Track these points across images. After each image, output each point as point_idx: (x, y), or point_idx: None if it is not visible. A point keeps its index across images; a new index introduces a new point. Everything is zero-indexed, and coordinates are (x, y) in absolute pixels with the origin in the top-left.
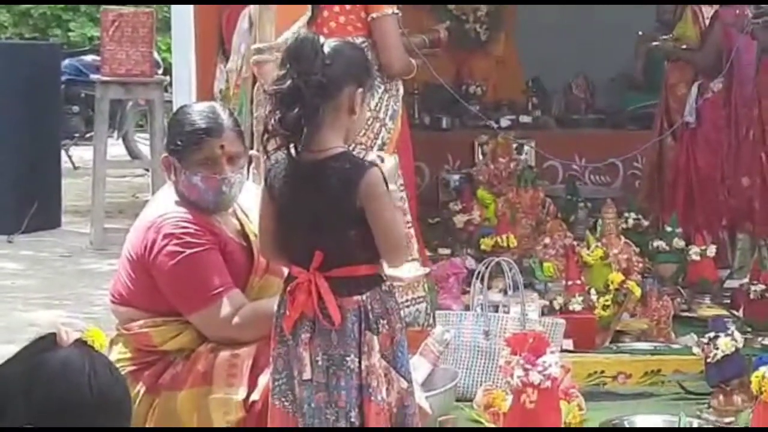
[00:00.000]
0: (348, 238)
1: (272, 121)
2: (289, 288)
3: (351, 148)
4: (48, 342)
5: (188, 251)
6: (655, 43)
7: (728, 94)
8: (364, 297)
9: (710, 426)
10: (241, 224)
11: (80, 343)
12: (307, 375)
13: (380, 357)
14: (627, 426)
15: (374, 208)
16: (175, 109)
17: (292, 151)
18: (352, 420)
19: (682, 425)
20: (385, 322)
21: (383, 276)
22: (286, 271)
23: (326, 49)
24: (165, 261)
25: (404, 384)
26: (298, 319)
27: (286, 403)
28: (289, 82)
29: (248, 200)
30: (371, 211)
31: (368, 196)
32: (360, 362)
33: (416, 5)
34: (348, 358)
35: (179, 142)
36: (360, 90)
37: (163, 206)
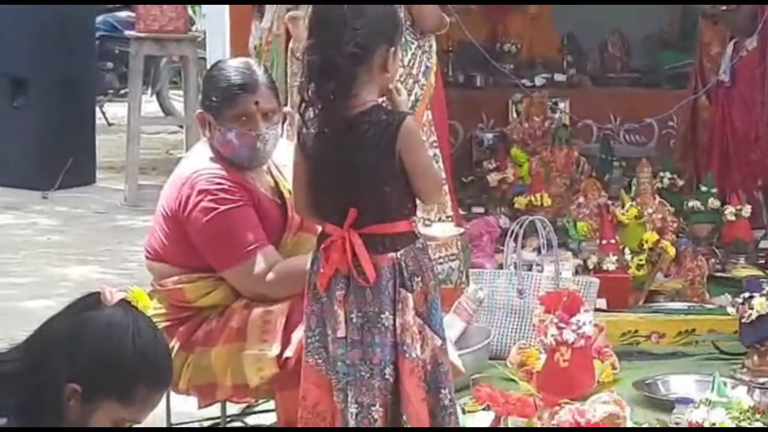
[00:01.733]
0: (383, 194)
1: (308, 91)
2: (323, 245)
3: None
4: (93, 301)
5: (222, 207)
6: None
7: (762, 53)
8: (398, 254)
9: (744, 385)
10: (275, 181)
11: (125, 303)
12: (341, 332)
13: (414, 314)
14: (660, 385)
15: (413, 152)
16: (208, 65)
17: (322, 105)
18: (386, 376)
19: (715, 385)
20: (419, 279)
21: (417, 233)
22: (319, 228)
23: (353, 14)
24: (199, 217)
25: (438, 341)
26: (333, 276)
27: (319, 361)
28: (319, 53)
29: (282, 157)
30: (410, 155)
31: (406, 142)
32: (394, 319)
33: None
34: (383, 315)
35: (214, 98)
36: (392, 48)
37: (198, 162)
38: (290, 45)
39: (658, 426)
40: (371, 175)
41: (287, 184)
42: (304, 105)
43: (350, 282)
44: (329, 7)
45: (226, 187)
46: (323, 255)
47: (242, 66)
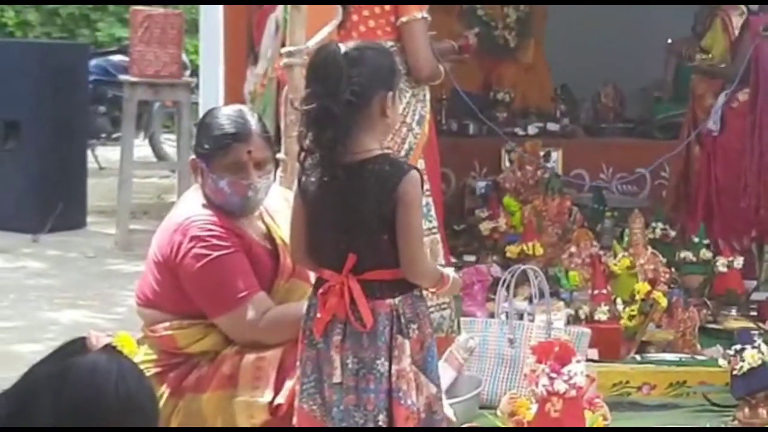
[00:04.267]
0: (382, 240)
1: (307, 140)
2: (321, 290)
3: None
4: (78, 346)
5: (214, 254)
6: (692, 64)
7: (753, 103)
8: (396, 301)
9: None
10: (268, 227)
11: (110, 348)
12: (337, 378)
13: (411, 362)
14: None
15: (405, 212)
16: (202, 111)
17: (321, 154)
18: (380, 423)
19: None
20: (415, 326)
21: None
22: (312, 275)
23: (350, 62)
24: (191, 263)
25: (433, 389)
26: (330, 321)
27: (314, 407)
28: (317, 102)
29: (275, 203)
30: (402, 214)
31: (404, 198)
32: (390, 366)
33: (446, 10)
34: (378, 362)
35: (206, 146)
36: (390, 93)
37: (190, 209)
38: (284, 92)
39: None
40: (370, 223)
41: (279, 231)
42: (303, 154)
43: (347, 327)
44: (325, 57)
45: (217, 233)
46: (320, 300)
47: (235, 114)
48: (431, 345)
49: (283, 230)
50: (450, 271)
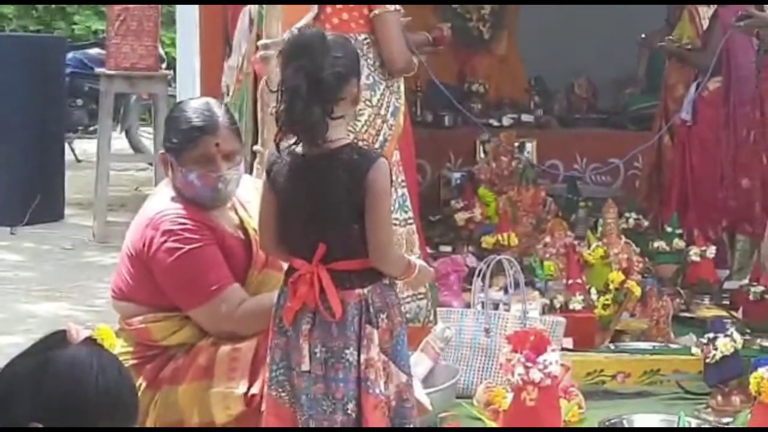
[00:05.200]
0: (352, 230)
1: (287, 116)
2: (291, 279)
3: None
4: (58, 339)
5: (187, 247)
6: (660, 44)
7: (726, 94)
8: (365, 290)
9: (708, 426)
10: (240, 218)
11: (90, 341)
12: (305, 366)
13: (379, 350)
14: (626, 425)
15: (374, 200)
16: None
17: (300, 144)
18: (349, 412)
19: (680, 425)
20: (384, 316)
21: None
22: (285, 265)
23: (330, 43)
24: (164, 258)
25: (403, 378)
26: (299, 310)
27: (282, 394)
28: (302, 76)
29: (247, 194)
30: (370, 203)
31: (372, 186)
32: (359, 355)
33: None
34: (347, 351)
35: (175, 140)
36: (360, 82)
37: (161, 203)
38: (261, 86)
39: None
40: (339, 213)
41: (252, 221)
42: (281, 134)
43: (316, 317)
44: (308, 37)
45: (189, 227)
46: (291, 288)
47: (202, 107)
48: (400, 334)
49: (255, 221)
50: (418, 261)
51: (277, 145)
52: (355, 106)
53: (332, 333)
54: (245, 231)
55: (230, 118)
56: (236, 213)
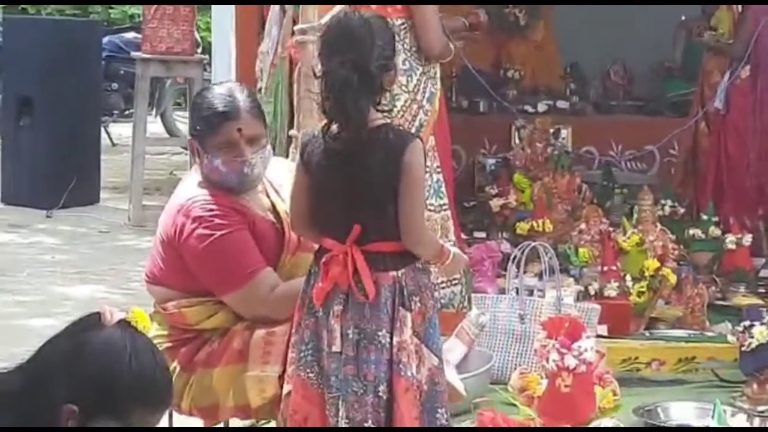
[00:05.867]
0: (386, 212)
1: (336, 108)
2: (323, 260)
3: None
4: (93, 321)
5: (218, 233)
6: (700, 39)
7: (754, 81)
8: (399, 273)
9: (745, 413)
10: (272, 202)
11: (124, 323)
12: (336, 347)
13: (412, 333)
14: (660, 412)
15: (409, 181)
16: None
17: (335, 126)
18: (380, 394)
19: (716, 413)
20: (417, 299)
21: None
22: (317, 247)
23: (374, 29)
24: (195, 245)
25: (435, 361)
26: (331, 291)
27: (311, 375)
28: (350, 69)
29: (280, 176)
30: (405, 184)
31: (407, 167)
32: (391, 337)
33: None
34: (380, 333)
35: (198, 127)
36: (395, 64)
37: (191, 189)
38: (297, 70)
39: None
40: (376, 193)
41: (284, 205)
42: (328, 124)
43: (349, 298)
44: (354, 25)
45: (220, 212)
46: (323, 269)
47: (224, 92)
48: (433, 317)
49: (287, 204)
50: (453, 248)
51: (325, 133)
52: (391, 86)
53: (365, 315)
54: (277, 214)
55: (252, 101)
56: (267, 196)
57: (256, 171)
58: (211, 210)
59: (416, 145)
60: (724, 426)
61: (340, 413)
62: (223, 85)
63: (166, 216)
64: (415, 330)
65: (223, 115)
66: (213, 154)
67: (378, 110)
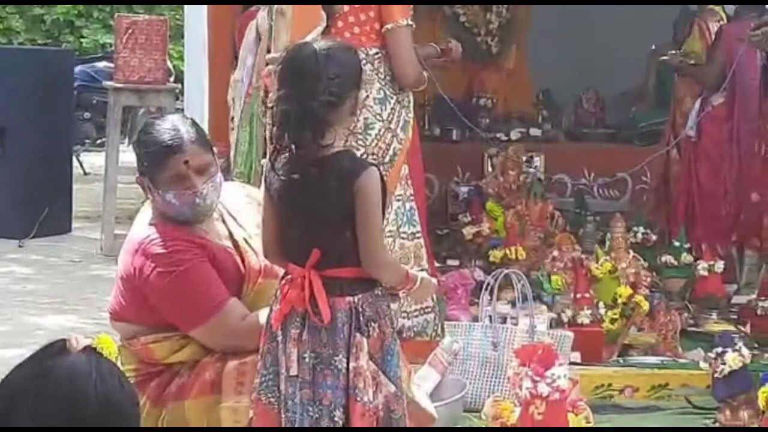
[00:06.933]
0: (344, 238)
1: (278, 139)
2: (282, 283)
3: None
4: (58, 347)
5: (179, 268)
6: (663, 58)
7: (730, 109)
8: (355, 299)
9: None
10: (229, 230)
11: (89, 349)
12: (293, 371)
13: (368, 359)
14: None
15: (363, 206)
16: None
17: (282, 156)
18: (336, 419)
19: None
20: (376, 325)
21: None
22: (282, 272)
23: (326, 63)
24: (158, 282)
25: (392, 388)
26: (289, 314)
27: (272, 399)
28: (296, 102)
29: (236, 202)
30: (360, 209)
31: (360, 193)
32: (348, 363)
33: (429, 17)
34: (336, 358)
35: (146, 163)
36: (360, 92)
37: (147, 226)
38: (268, 98)
39: None
40: (331, 219)
41: (241, 232)
42: (276, 153)
43: (306, 321)
44: (303, 57)
45: (179, 247)
46: (281, 292)
47: (168, 126)
48: (392, 344)
49: (247, 229)
50: (420, 273)
51: (272, 164)
52: (354, 116)
53: (322, 339)
54: (235, 242)
55: (197, 131)
56: (224, 223)
57: (209, 200)
58: (170, 246)
59: (371, 172)
60: None
61: None
62: (166, 118)
63: (124, 255)
64: (373, 356)
65: (168, 149)
66: (163, 189)
67: (322, 145)
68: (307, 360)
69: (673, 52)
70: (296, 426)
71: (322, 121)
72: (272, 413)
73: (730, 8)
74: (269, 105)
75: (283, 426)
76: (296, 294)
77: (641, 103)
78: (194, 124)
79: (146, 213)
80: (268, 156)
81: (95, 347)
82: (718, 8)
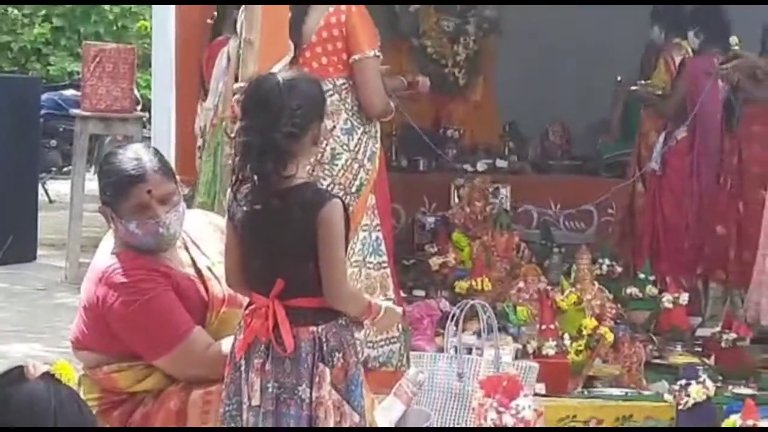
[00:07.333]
0: (307, 268)
1: (244, 171)
2: (246, 313)
3: (330, 188)
4: (16, 375)
5: (142, 298)
6: (633, 88)
7: (691, 142)
8: (319, 329)
9: None
10: (192, 258)
11: (48, 376)
12: (255, 401)
13: (331, 389)
14: None
15: (326, 238)
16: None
17: (245, 187)
18: None
19: None
20: (340, 355)
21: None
22: (246, 301)
23: (289, 94)
24: (121, 312)
25: (356, 418)
26: (252, 344)
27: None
28: (258, 134)
29: (198, 230)
30: (322, 240)
31: (323, 224)
32: (311, 393)
33: (396, 48)
34: (300, 388)
35: (108, 193)
36: (322, 123)
37: (109, 256)
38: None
39: None
40: (294, 250)
41: (205, 260)
42: (238, 183)
43: (270, 351)
44: (266, 89)
45: (142, 276)
46: (245, 322)
47: (131, 155)
48: (356, 374)
49: (210, 257)
50: (384, 302)
51: (234, 194)
52: (317, 147)
53: (285, 369)
54: (198, 270)
55: (160, 160)
56: (187, 251)
57: (172, 230)
58: (133, 275)
59: (334, 204)
60: None
61: None
62: (129, 147)
63: (88, 284)
64: (336, 386)
65: (131, 179)
66: (126, 219)
67: (284, 176)
68: (270, 390)
69: (642, 82)
70: None
71: (284, 152)
72: None
73: (695, 42)
74: (231, 136)
75: None
76: (260, 324)
77: (607, 135)
78: (157, 153)
79: (109, 241)
80: (230, 186)
81: (53, 374)
82: (684, 43)
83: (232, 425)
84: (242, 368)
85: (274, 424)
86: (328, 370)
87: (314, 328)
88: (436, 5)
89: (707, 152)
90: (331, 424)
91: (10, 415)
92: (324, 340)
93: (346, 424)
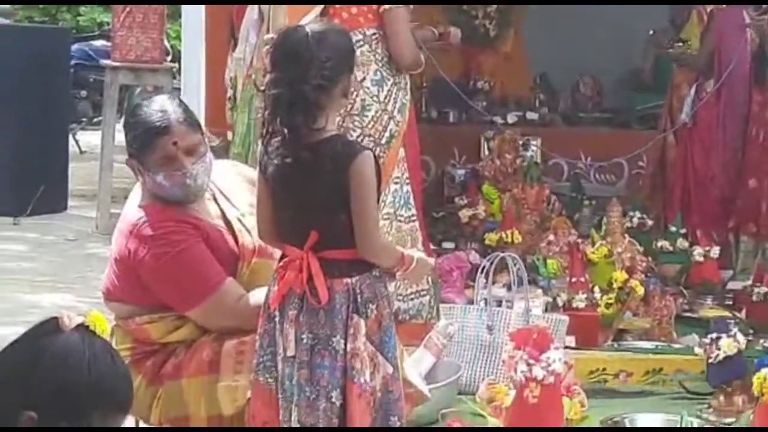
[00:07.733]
0: (340, 220)
1: (274, 124)
2: (280, 265)
3: (360, 140)
4: (51, 326)
5: (174, 249)
6: (668, 51)
7: (718, 94)
8: (353, 280)
9: (711, 426)
10: (221, 209)
11: (82, 328)
12: (291, 351)
13: (366, 341)
14: (628, 424)
15: (358, 190)
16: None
17: (275, 140)
18: (333, 400)
19: (683, 425)
20: (374, 306)
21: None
22: (278, 253)
23: (318, 46)
24: (152, 264)
25: (389, 369)
26: (287, 296)
27: (269, 379)
28: (288, 86)
29: (227, 181)
30: (354, 192)
31: (354, 176)
32: (345, 344)
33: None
34: (334, 339)
35: (134, 146)
36: (352, 75)
37: (137, 209)
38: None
39: None
40: (326, 202)
41: (234, 211)
42: (268, 137)
43: (304, 303)
44: (295, 41)
45: (172, 228)
46: (279, 274)
47: (156, 108)
48: (389, 325)
49: (239, 208)
50: (416, 253)
51: (265, 147)
52: (347, 99)
53: (320, 320)
54: (227, 221)
55: (185, 111)
56: (216, 203)
57: (200, 181)
58: (163, 227)
59: (365, 156)
60: None
61: (293, 417)
62: (154, 99)
63: (119, 236)
64: (371, 337)
65: (156, 131)
66: (153, 171)
67: (314, 129)
68: (304, 341)
69: (680, 45)
70: (293, 407)
71: (313, 105)
72: (270, 393)
73: None
74: (261, 88)
75: (280, 405)
76: (294, 276)
77: (638, 87)
78: (182, 104)
79: (138, 192)
80: (261, 139)
81: (87, 325)
82: None
83: (267, 375)
84: (276, 319)
85: (309, 374)
86: (362, 322)
87: (348, 280)
88: None
89: (734, 104)
90: (366, 376)
91: (44, 366)
92: (358, 291)
93: (379, 375)
